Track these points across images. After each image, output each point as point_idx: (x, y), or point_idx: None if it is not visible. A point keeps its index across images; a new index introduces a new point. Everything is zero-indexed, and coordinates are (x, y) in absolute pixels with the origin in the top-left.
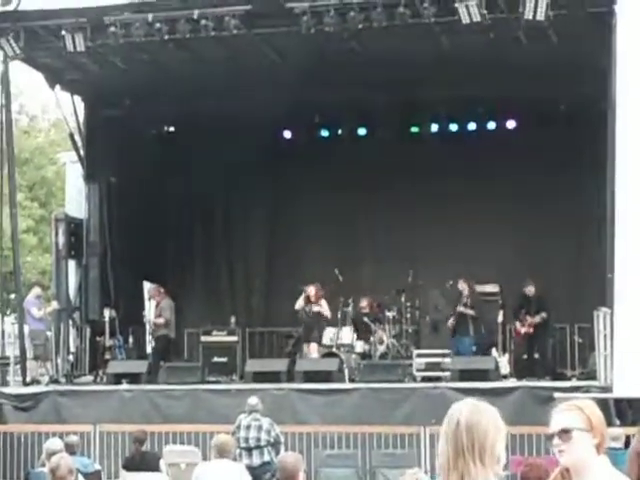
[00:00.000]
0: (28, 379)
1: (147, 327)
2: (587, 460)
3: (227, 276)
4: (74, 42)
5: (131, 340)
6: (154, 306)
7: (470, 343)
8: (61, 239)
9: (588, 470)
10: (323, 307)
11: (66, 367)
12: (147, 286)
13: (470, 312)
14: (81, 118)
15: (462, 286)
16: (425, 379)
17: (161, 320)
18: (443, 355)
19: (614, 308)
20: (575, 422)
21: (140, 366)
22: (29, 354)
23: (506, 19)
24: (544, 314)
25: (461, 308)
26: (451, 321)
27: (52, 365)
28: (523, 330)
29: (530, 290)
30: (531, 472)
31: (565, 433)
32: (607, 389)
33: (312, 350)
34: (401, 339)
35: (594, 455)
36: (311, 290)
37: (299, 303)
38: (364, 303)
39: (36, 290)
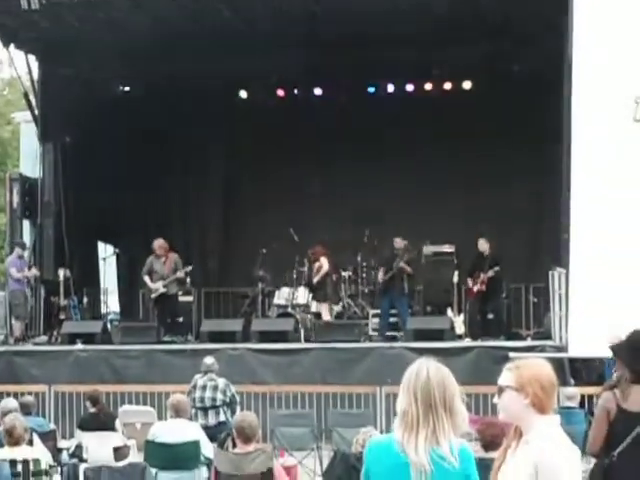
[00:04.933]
0: None
1: (152, 286)
2: (523, 418)
3: (182, 236)
4: (28, 0)
5: (85, 300)
6: (161, 263)
7: (407, 303)
8: (15, 199)
9: (529, 428)
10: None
11: (20, 327)
12: (157, 242)
13: (408, 269)
14: (36, 77)
15: (398, 244)
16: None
17: (182, 274)
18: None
19: (569, 268)
20: (507, 381)
21: (95, 326)
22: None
23: None
24: (497, 268)
25: (402, 264)
26: (381, 275)
27: (8, 326)
28: (476, 288)
29: (483, 246)
30: (487, 430)
31: (500, 391)
32: (562, 349)
33: (323, 310)
34: (357, 299)
35: (530, 413)
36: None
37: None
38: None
39: (17, 250)
